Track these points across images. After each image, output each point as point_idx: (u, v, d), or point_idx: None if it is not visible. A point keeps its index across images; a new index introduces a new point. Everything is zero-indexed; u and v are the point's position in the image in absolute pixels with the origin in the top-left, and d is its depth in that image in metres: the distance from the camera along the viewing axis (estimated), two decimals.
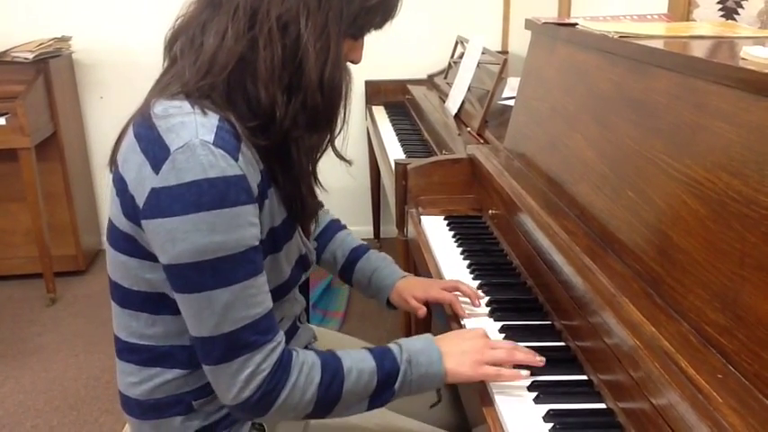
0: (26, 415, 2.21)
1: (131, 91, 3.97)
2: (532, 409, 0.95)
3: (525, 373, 1.00)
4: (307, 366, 0.94)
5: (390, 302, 1.27)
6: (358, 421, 1.05)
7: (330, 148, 1.01)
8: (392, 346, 1.01)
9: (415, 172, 1.68)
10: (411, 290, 1.24)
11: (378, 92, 3.23)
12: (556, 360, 1.05)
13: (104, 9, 3.15)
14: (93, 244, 3.33)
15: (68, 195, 3.06)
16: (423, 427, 1.17)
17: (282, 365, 0.92)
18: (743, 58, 0.96)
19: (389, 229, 3.38)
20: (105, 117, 3.27)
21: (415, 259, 1.66)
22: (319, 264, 1.31)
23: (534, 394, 0.97)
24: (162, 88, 0.94)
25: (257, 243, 0.90)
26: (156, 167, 0.85)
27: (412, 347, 1.00)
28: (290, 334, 1.10)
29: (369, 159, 3.25)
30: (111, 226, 0.96)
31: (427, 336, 1.04)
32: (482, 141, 1.96)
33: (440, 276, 1.38)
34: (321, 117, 0.95)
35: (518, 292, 1.29)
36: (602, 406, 0.95)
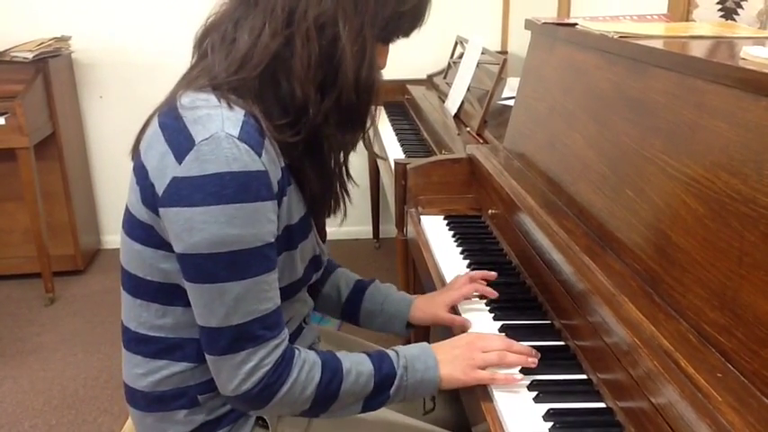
0: (24, 414, 2.21)
1: (130, 91, 3.97)
2: (532, 408, 0.95)
3: (519, 376, 1.00)
4: (308, 364, 0.95)
5: (410, 324, 1.24)
6: (359, 418, 1.06)
7: (363, 143, 1.04)
8: (390, 351, 1.03)
9: (415, 172, 1.68)
10: (434, 304, 1.22)
11: (377, 91, 3.22)
12: (555, 359, 1.05)
13: (104, 9, 3.15)
14: (91, 243, 3.33)
15: (67, 195, 3.06)
16: (422, 425, 1.18)
17: (285, 361, 0.93)
18: (743, 58, 0.96)
19: (389, 229, 3.38)
20: (104, 117, 3.27)
21: (414, 259, 1.66)
22: (315, 305, 1.24)
23: (534, 393, 0.97)
24: (190, 81, 0.95)
25: (273, 240, 0.92)
26: (180, 157, 0.87)
27: (409, 354, 1.02)
28: (296, 335, 1.10)
29: (368, 159, 3.25)
30: (128, 214, 0.97)
31: (424, 344, 1.06)
32: (481, 141, 1.96)
33: (439, 276, 1.38)
34: (355, 115, 0.98)
35: (517, 292, 1.29)
36: (602, 405, 0.95)
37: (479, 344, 1.04)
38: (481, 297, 1.25)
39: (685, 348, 0.83)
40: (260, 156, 0.88)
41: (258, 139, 0.89)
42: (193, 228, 0.86)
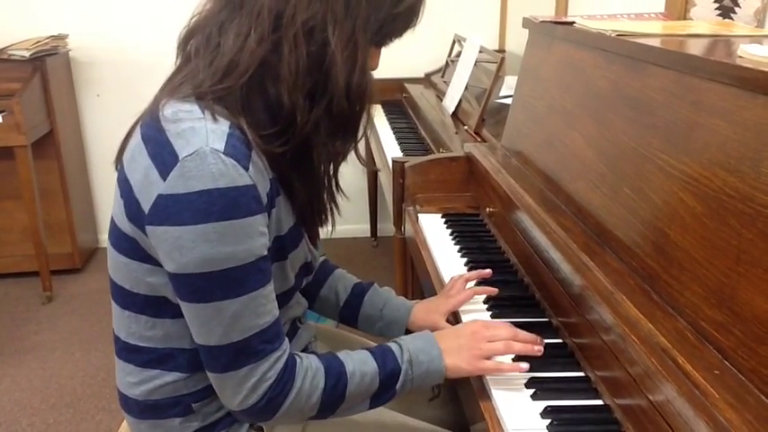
0: (23, 413, 2.21)
1: (128, 89, 3.96)
2: (530, 405, 0.95)
3: (525, 365, 0.99)
4: (311, 372, 0.94)
5: (409, 329, 1.22)
6: (356, 419, 1.06)
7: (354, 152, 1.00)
8: (393, 345, 1.01)
9: (413, 170, 1.68)
10: (433, 312, 1.20)
11: (374, 90, 3.22)
12: (553, 357, 1.05)
13: (101, 7, 3.14)
14: (89, 242, 3.33)
15: (65, 193, 3.05)
16: (420, 424, 1.17)
17: (288, 372, 0.92)
18: (740, 56, 0.97)
19: (387, 228, 3.38)
20: (102, 115, 3.27)
21: (412, 257, 1.66)
22: (312, 307, 1.24)
23: (532, 391, 0.98)
24: (173, 89, 0.91)
25: (266, 252, 0.89)
26: (164, 173, 0.84)
27: (412, 346, 1.01)
28: (291, 335, 1.09)
29: (366, 158, 3.25)
30: (114, 226, 0.95)
31: (427, 333, 1.05)
32: (479, 139, 1.96)
33: (437, 274, 1.39)
34: (346, 123, 0.94)
35: (515, 290, 1.29)
36: (600, 402, 0.96)
37: (485, 333, 1.03)
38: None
39: (683, 346, 0.84)
40: (247, 169, 0.85)
41: (244, 151, 0.85)
42: (183, 247, 0.83)
